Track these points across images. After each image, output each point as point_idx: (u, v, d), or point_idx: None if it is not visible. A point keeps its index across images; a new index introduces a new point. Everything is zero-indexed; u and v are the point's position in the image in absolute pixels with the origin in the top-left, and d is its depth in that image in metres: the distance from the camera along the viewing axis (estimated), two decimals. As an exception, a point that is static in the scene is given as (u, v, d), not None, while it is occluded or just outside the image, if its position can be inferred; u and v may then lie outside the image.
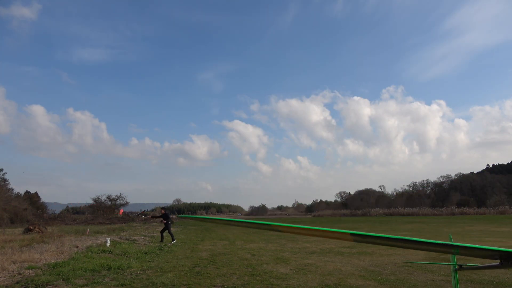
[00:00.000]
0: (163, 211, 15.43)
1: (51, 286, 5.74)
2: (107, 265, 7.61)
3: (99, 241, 12.47)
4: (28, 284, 5.81)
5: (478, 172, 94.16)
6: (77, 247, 10.81)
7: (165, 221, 14.66)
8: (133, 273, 6.90)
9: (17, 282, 5.94)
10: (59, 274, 6.61)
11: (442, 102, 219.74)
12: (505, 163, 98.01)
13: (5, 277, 6.39)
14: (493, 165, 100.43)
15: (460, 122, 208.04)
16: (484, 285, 5.61)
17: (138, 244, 12.95)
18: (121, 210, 37.26)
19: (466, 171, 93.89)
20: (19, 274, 6.66)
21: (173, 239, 14.26)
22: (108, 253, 9.77)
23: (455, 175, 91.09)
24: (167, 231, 14.59)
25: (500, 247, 9.37)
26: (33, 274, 6.66)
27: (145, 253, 10.06)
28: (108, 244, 11.48)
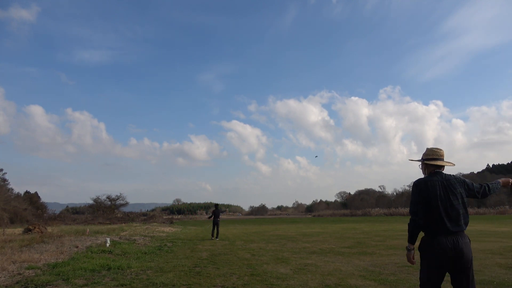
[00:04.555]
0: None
1: (51, 286, 5.74)
2: (107, 265, 7.61)
3: (99, 241, 12.45)
4: (28, 284, 5.81)
5: (478, 172, 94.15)
6: (77, 247, 10.80)
7: (217, 218, 15.82)
8: (133, 273, 6.90)
9: (17, 282, 5.94)
10: (59, 274, 6.61)
11: (440, 103, 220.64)
12: (505, 163, 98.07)
13: (5, 277, 6.38)
14: (493, 165, 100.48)
15: (458, 122, 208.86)
16: (484, 285, 5.60)
17: (138, 244, 12.94)
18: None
19: (465, 171, 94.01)
20: (19, 274, 6.65)
21: (213, 236, 15.50)
22: (108, 253, 9.77)
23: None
24: (217, 226, 15.74)
25: (500, 247, 9.38)
26: (33, 274, 6.66)
27: (145, 253, 10.06)
28: (108, 244, 11.47)
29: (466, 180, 3.00)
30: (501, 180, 3.11)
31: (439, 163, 3.03)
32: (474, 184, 3.00)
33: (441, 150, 3.10)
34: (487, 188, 3.02)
